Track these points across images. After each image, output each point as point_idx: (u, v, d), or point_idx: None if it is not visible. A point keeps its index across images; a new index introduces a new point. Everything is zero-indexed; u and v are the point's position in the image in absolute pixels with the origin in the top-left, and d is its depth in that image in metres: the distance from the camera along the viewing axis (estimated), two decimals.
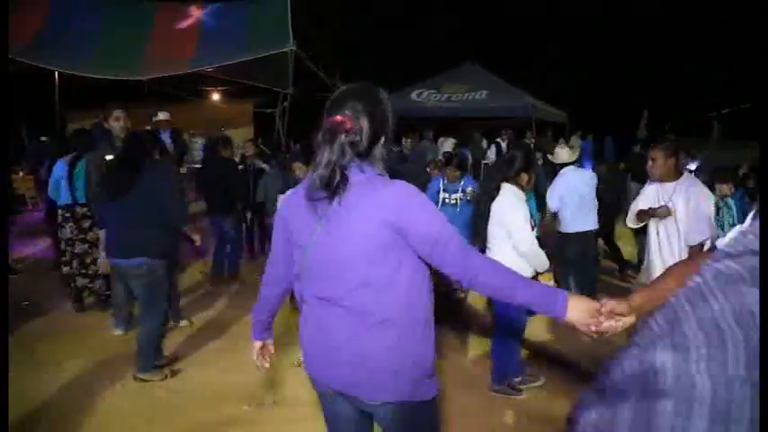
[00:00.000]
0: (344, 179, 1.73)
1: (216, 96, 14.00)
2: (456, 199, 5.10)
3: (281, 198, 5.21)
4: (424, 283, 1.84)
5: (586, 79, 19.99)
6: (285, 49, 10.12)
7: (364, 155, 1.78)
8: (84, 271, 5.31)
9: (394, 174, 1.90)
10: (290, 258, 1.92)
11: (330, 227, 1.76)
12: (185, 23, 11.83)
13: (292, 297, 2.09)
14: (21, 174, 11.65)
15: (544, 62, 20.15)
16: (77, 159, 5.19)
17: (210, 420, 3.50)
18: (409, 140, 11.30)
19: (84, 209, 5.25)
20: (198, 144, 12.49)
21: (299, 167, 5.60)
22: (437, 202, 4.99)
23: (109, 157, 4.64)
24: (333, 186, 1.71)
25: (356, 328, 1.77)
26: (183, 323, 5.06)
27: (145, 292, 3.88)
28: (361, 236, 1.72)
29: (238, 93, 14.03)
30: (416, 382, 1.81)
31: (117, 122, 4.87)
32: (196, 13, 12.04)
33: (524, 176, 3.71)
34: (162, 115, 8.68)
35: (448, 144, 12.90)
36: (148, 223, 3.74)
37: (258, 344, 2.24)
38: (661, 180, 3.80)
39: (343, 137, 1.73)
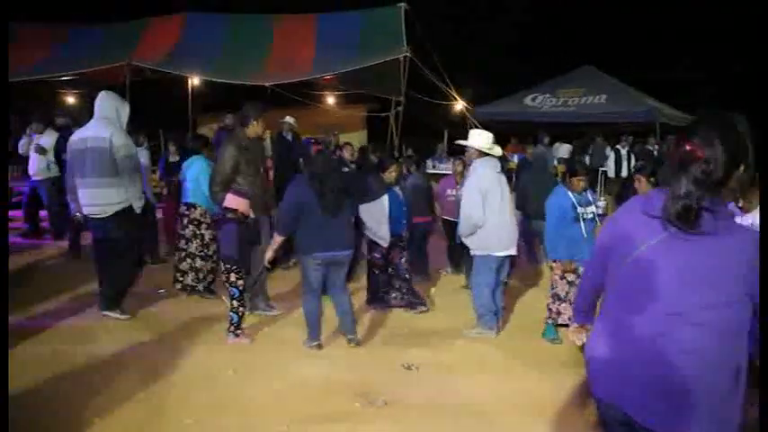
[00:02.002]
0: (698, 213, 1.69)
1: (330, 101, 14.47)
2: (592, 213, 4.72)
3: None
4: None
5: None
6: (399, 56, 10.29)
7: (718, 185, 1.72)
8: (195, 266, 5.72)
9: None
10: (606, 261, 1.97)
11: (674, 253, 1.75)
12: (302, 34, 12.40)
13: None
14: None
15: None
16: (193, 161, 5.78)
17: (320, 413, 3.57)
18: (529, 147, 11.08)
19: (198, 210, 5.65)
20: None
21: (395, 170, 5.64)
22: (575, 218, 4.61)
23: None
24: (687, 220, 1.70)
25: (707, 366, 1.73)
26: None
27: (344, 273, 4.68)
28: (716, 275, 1.72)
29: (352, 98, 14.41)
30: None
31: (256, 128, 5.06)
32: (312, 24, 12.62)
33: None
34: (289, 119, 9.18)
35: (563, 150, 12.46)
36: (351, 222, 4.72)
37: (577, 325, 2.33)
38: None
39: (695, 167, 1.69)
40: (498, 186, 4.89)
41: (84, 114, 8.39)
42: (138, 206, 5.05)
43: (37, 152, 7.77)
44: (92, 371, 4.04)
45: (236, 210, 4.59)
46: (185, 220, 5.72)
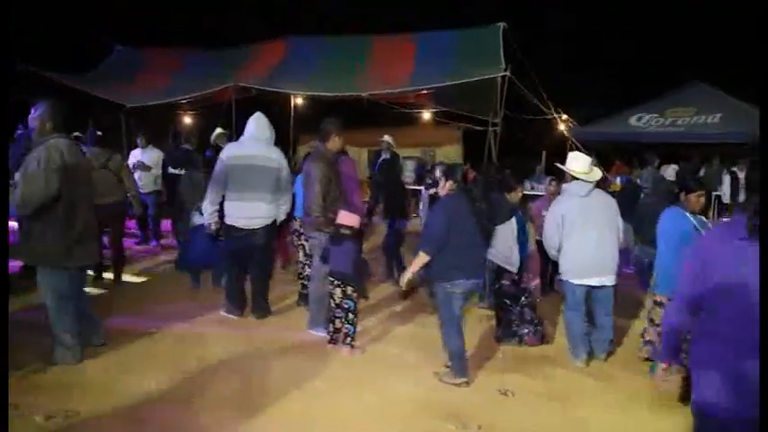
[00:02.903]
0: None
1: (426, 116, 14.54)
2: None
3: None
4: None
5: None
6: (497, 75, 10.19)
7: None
8: (301, 274, 6.02)
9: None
10: (696, 292, 1.95)
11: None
12: (400, 52, 12.62)
13: None
14: None
15: None
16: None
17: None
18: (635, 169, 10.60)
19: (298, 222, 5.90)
20: (410, 165, 13.06)
21: (520, 190, 5.52)
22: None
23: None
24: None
25: None
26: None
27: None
28: None
29: (448, 113, 14.42)
30: None
31: (337, 143, 5.19)
32: (409, 42, 12.83)
33: None
34: (387, 138, 9.34)
35: (670, 172, 11.77)
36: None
37: (665, 365, 2.37)
38: None
39: None
40: (581, 211, 4.62)
41: (195, 132, 9.02)
42: (281, 219, 5.50)
43: (139, 168, 8.43)
44: (196, 372, 4.24)
45: (348, 225, 4.64)
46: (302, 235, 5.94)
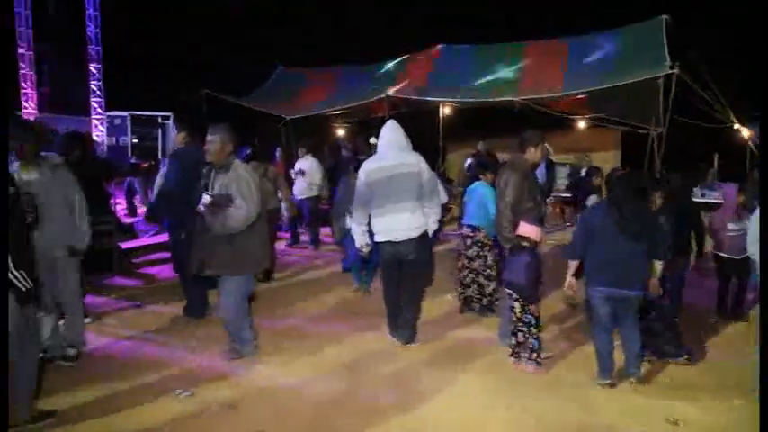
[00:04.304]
0: None
1: (582, 122, 13.85)
2: None
3: None
4: None
5: None
6: (662, 74, 9.36)
7: None
8: (478, 281, 5.97)
9: None
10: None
11: None
12: (553, 56, 12.26)
13: None
14: None
15: None
16: (476, 187, 6.07)
17: None
18: None
19: (482, 233, 5.84)
20: (564, 171, 12.56)
21: (660, 196, 5.09)
22: None
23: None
24: None
25: None
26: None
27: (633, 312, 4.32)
28: None
29: (606, 117, 13.60)
30: None
31: (535, 154, 5.05)
32: (563, 46, 12.36)
33: None
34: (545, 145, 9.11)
35: None
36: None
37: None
38: None
39: None
40: None
41: (354, 143, 9.52)
42: (432, 230, 5.17)
43: (299, 175, 9.26)
44: (333, 374, 4.41)
45: (528, 237, 4.54)
46: (469, 241, 5.98)
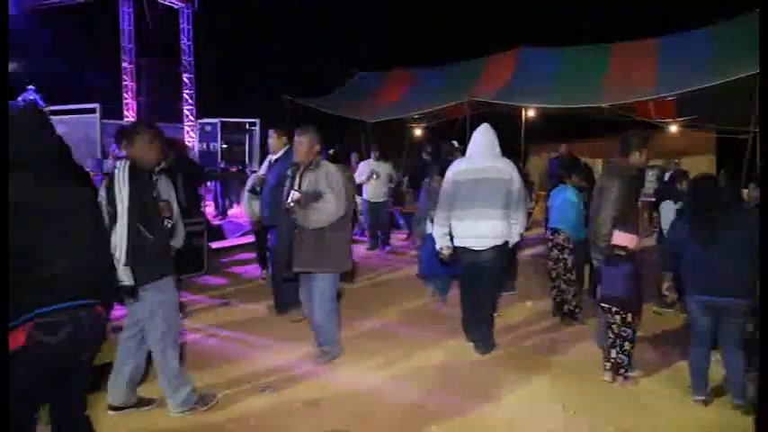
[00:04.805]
0: None
1: (673, 126, 13.17)
2: None
3: None
4: None
5: None
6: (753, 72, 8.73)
7: None
8: (557, 286, 5.86)
9: None
10: None
11: None
12: (642, 57, 11.78)
13: None
14: None
15: None
16: (560, 190, 6.01)
17: None
18: None
19: (562, 236, 5.72)
20: (652, 175, 12.00)
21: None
22: None
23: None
24: None
25: None
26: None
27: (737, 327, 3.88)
28: None
29: (698, 118, 12.90)
30: None
31: (639, 158, 4.75)
32: (653, 46, 11.86)
33: None
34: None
35: None
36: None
37: None
38: None
39: None
40: None
41: (436, 146, 9.57)
42: (513, 241, 4.99)
43: (372, 178, 9.35)
44: (415, 378, 4.43)
45: (625, 247, 4.32)
46: (550, 244, 5.92)
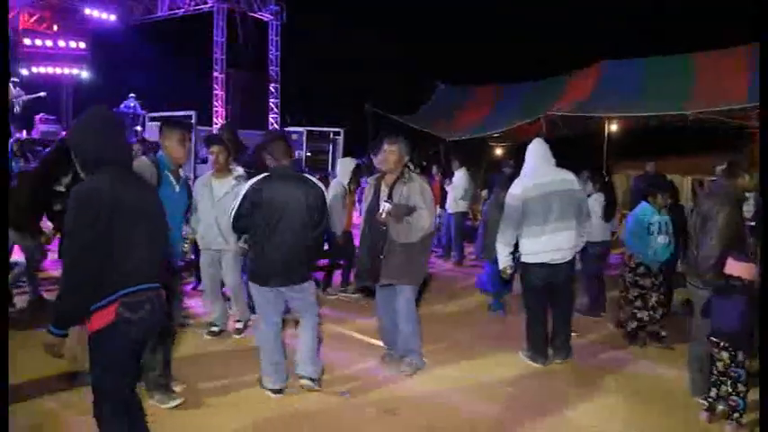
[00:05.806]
0: None
1: None
2: None
3: None
4: None
5: None
6: None
7: None
8: (632, 313, 5.68)
9: None
10: None
11: None
12: (731, 64, 11.27)
13: None
14: None
15: None
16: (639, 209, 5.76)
17: None
18: None
19: (635, 258, 5.56)
20: (749, 196, 11.42)
21: None
22: None
23: None
24: None
25: None
26: None
27: None
28: None
29: None
30: None
31: (747, 182, 4.56)
32: (745, 53, 11.29)
33: None
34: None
35: None
36: None
37: None
38: None
39: None
40: None
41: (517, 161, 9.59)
42: (578, 249, 5.01)
43: (449, 187, 9.71)
44: (486, 394, 4.41)
45: (739, 277, 3.94)
46: (625, 266, 5.80)
